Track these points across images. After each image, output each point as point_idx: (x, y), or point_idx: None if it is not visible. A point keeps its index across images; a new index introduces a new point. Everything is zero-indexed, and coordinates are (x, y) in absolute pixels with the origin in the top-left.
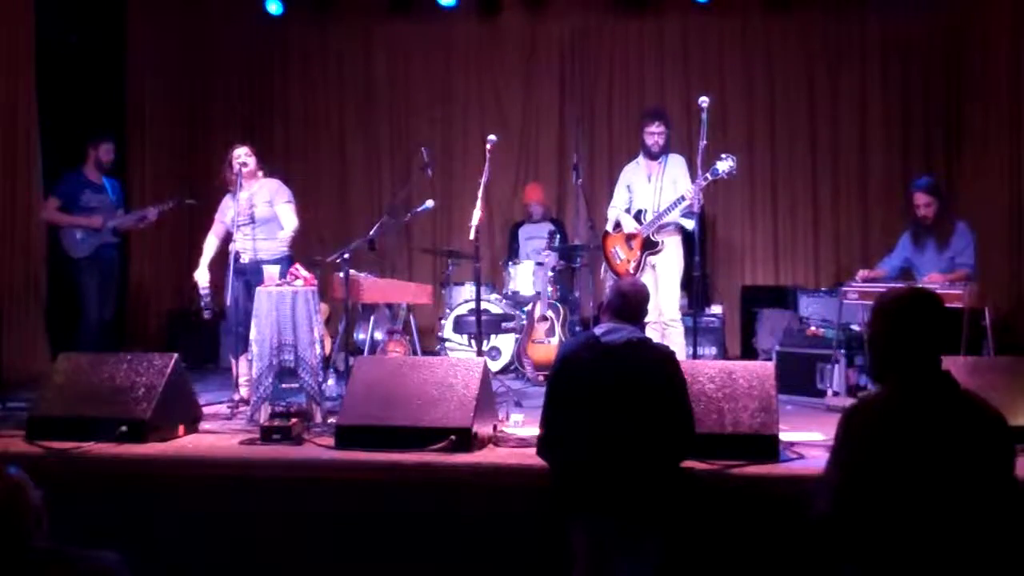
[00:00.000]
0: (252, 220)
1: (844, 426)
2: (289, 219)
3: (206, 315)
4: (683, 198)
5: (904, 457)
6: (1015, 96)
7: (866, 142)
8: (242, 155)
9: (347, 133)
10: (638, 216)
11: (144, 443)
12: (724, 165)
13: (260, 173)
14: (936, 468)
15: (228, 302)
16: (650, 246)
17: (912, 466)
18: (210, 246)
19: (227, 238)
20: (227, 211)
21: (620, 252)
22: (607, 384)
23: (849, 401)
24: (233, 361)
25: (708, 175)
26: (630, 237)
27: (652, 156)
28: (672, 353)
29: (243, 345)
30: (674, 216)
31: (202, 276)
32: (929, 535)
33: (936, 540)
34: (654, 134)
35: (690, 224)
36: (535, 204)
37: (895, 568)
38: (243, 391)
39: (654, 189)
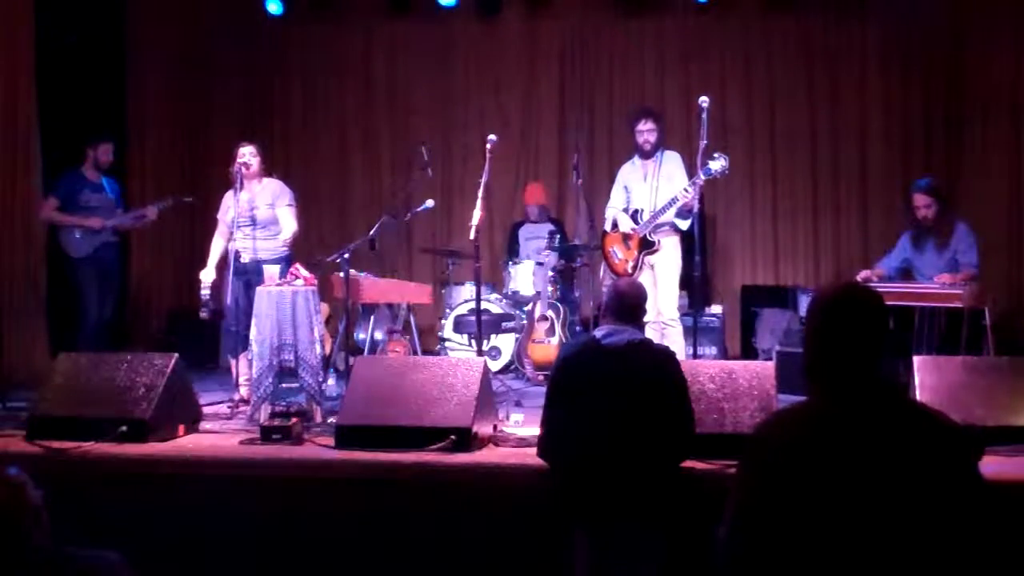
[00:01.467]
0: (253, 221)
1: (750, 444)
2: (289, 222)
3: (203, 315)
4: (676, 199)
5: (822, 480)
6: (1015, 96)
7: (866, 142)
8: (246, 155)
9: (347, 133)
10: (635, 216)
11: (144, 443)
12: (716, 164)
13: (263, 174)
14: (866, 493)
15: (228, 301)
16: (647, 246)
17: (833, 491)
18: (217, 247)
19: (230, 238)
20: (228, 210)
21: (618, 252)
22: (608, 386)
23: None
24: (232, 361)
25: (702, 174)
26: (627, 237)
27: (645, 155)
28: (673, 355)
29: (242, 344)
30: (669, 216)
31: (207, 275)
32: (860, 562)
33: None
34: (643, 132)
35: (684, 224)
36: (535, 205)
37: None
38: (243, 391)
39: (650, 188)
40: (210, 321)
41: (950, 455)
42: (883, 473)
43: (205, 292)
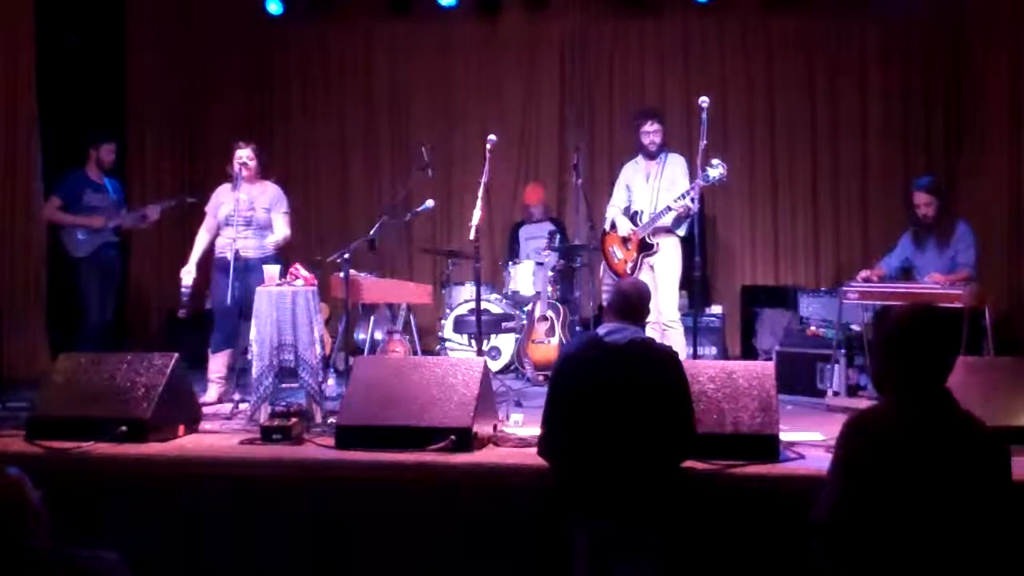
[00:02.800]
0: (248, 223)
1: (844, 437)
2: (282, 229)
3: (181, 314)
4: (669, 208)
5: (900, 473)
6: (1015, 96)
7: (866, 142)
8: (244, 156)
9: (347, 133)
10: (634, 217)
11: (144, 443)
12: (715, 172)
13: (261, 176)
14: (931, 486)
15: (224, 299)
16: (645, 248)
17: (907, 483)
18: (201, 242)
19: (217, 233)
20: (220, 206)
21: (617, 252)
22: (610, 384)
23: (849, 401)
24: (211, 356)
25: (699, 181)
26: (626, 238)
27: (650, 156)
28: (675, 354)
29: (225, 342)
30: (667, 221)
31: (188, 275)
32: (921, 552)
33: (928, 557)
34: (649, 133)
35: (681, 231)
36: (535, 205)
37: None
38: (213, 389)
39: (652, 189)
40: (210, 321)
41: (988, 461)
42: (938, 471)
43: (185, 291)
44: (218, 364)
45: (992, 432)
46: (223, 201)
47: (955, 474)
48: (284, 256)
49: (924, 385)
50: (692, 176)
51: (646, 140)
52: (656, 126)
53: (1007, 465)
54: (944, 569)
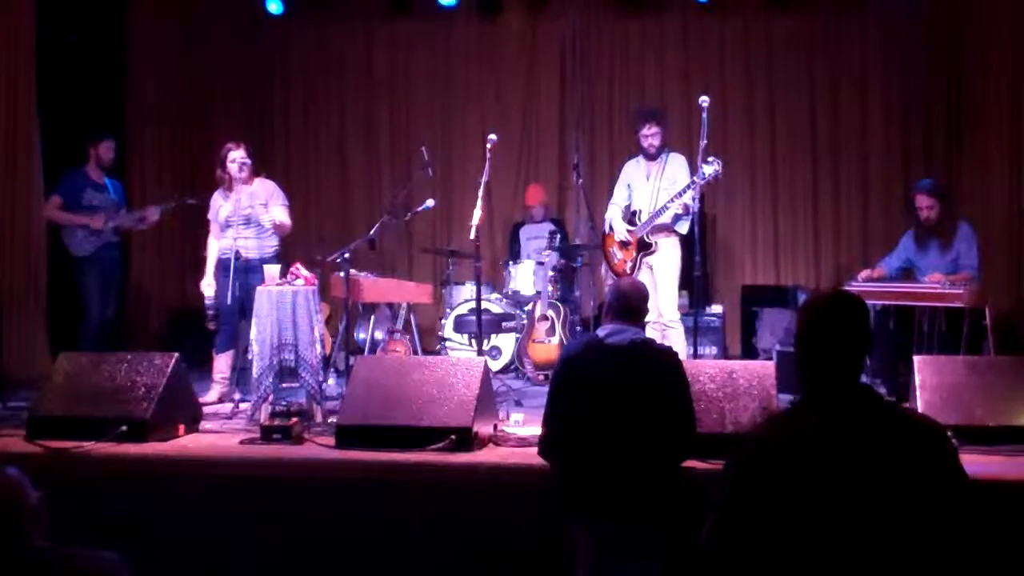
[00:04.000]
0: (247, 221)
1: (739, 447)
2: (283, 218)
3: (210, 326)
4: (669, 204)
5: (813, 488)
6: (1015, 96)
7: (866, 142)
8: (237, 158)
9: (347, 133)
10: (634, 217)
11: (144, 443)
12: (709, 169)
13: (255, 174)
14: (855, 493)
15: (224, 299)
16: (644, 247)
17: (817, 494)
18: (213, 251)
19: (223, 238)
20: (219, 211)
21: (617, 252)
22: (610, 385)
23: None
24: (215, 356)
25: (696, 179)
26: (625, 240)
27: (650, 157)
28: (675, 354)
29: (229, 343)
30: (666, 218)
31: (208, 288)
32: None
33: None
34: (648, 136)
35: (683, 228)
36: (536, 206)
37: None
38: (216, 389)
39: (652, 189)
40: (215, 330)
41: (931, 453)
42: (866, 475)
43: (209, 302)
44: (221, 364)
45: (928, 420)
46: (220, 204)
47: (888, 474)
48: (285, 256)
49: (838, 379)
50: (693, 174)
51: (645, 143)
52: (655, 128)
53: (949, 452)
54: None
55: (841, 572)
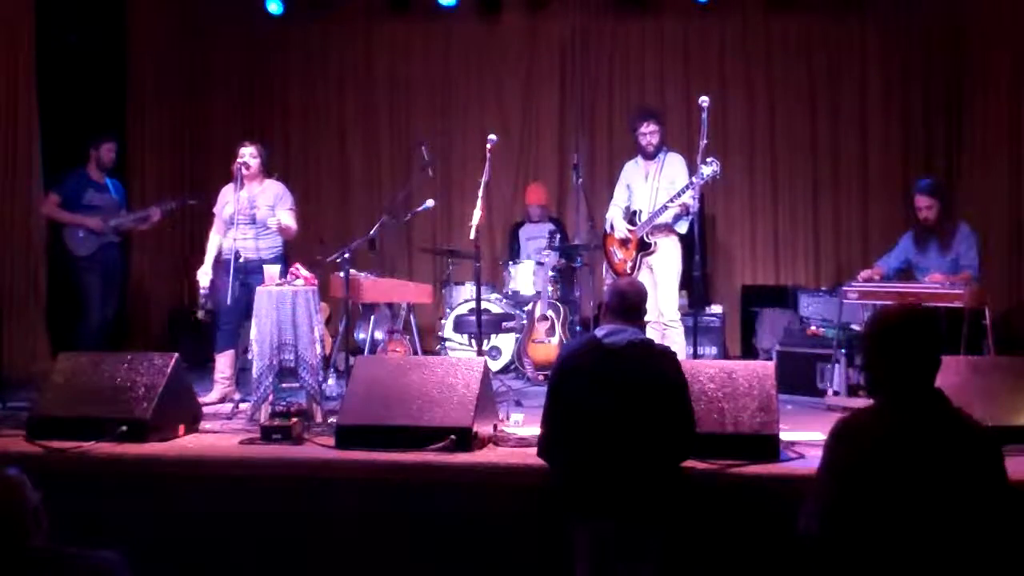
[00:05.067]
0: (252, 221)
1: (832, 443)
2: (289, 222)
3: (200, 315)
4: (670, 203)
5: (892, 479)
6: (1015, 96)
7: (866, 142)
8: (246, 155)
9: (347, 133)
10: (633, 216)
11: (144, 443)
12: (708, 169)
13: (264, 175)
14: (925, 490)
15: (227, 300)
16: (644, 247)
17: (900, 488)
18: (213, 244)
19: (226, 234)
20: (225, 206)
21: (617, 252)
22: (609, 386)
23: (849, 401)
24: (216, 357)
25: (694, 179)
26: (625, 239)
27: (648, 156)
28: (674, 354)
29: (230, 342)
30: (667, 218)
31: (204, 277)
32: (918, 559)
33: (926, 564)
34: (646, 134)
35: (683, 227)
36: (536, 206)
37: None
38: (217, 389)
39: (651, 189)
40: (206, 321)
41: (985, 458)
42: (933, 471)
43: (204, 292)
44: (222, 364)
45: (986, 430)
46: (227, 201)
47: (951, 475)
48: (288, 257)
49: (914, 385)
50: (692, 174)
51: (643, 141)
52: (653, 127)
53: (1002, 463)
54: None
55: (910, 546)
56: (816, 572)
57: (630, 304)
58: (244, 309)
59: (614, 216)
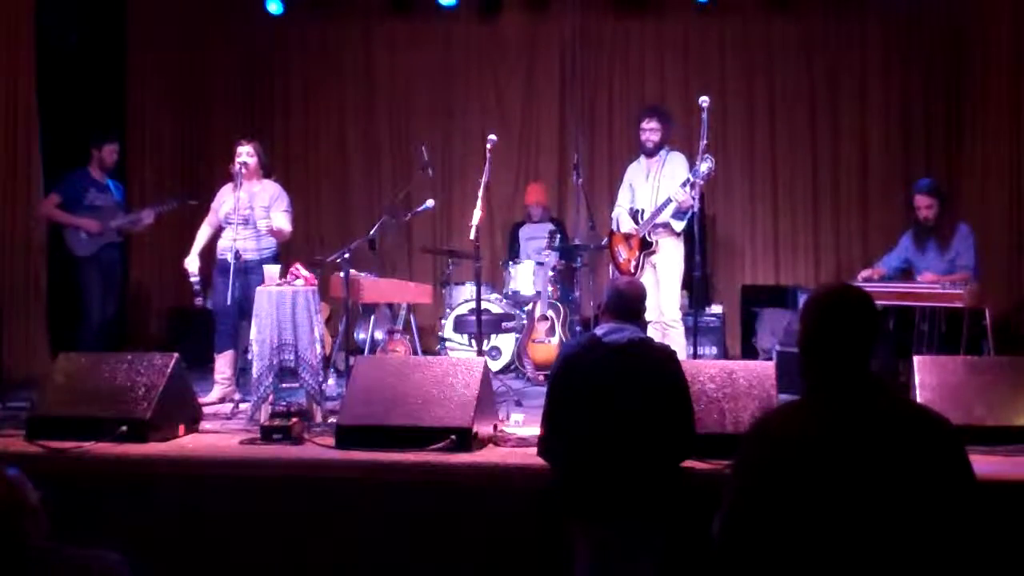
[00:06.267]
0: (247, 222)
1: (745, 441)
2: (283, 224)
3: (198, 302)
4: (670, 200)
5: (823, 479)
6: (1015, 96)
7: (866, 142)
8: (243, 154)
9: (347, 133)
10: (636, 215)
11: (144, 443)
12: (704, 166)
13: (261, 174)
14: (863, 488)
15: (223, 300)
16: (645, 246)
17: (832, 489)
18: (202, 235)
19: (219, 230)
20: (223, 204)
21: (622, 252)
22: (609, 385)
23: None
24: (216, 357)
25: (691, 176)
26: (629, 236)
27: (648, 153)
28: (674, 353)
29: (229, 343)
30: (665, 216)
31: (192, 263)
32: (863, 564)
33: (874, 568)
34: (646, 131)
35: (680, 225)
36: (536, 205)
37: None
38: (217, 390)
39: (652, 187)
40: (210, 320)
41: (938, 448)
42: (873, 467)
43: (194, 278)
44: (222, 365)
45: (943, 420)
46: (225, 200)
47: (892, 468)
48: (284, 257)
49: (848, 370)
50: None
51: (644, 137)
52: (655, 124)
53: (960, 450)
54: None
55: (846, 563)
56: None
57: (629, 303)
58: (242, 310)
59: (620, 215)
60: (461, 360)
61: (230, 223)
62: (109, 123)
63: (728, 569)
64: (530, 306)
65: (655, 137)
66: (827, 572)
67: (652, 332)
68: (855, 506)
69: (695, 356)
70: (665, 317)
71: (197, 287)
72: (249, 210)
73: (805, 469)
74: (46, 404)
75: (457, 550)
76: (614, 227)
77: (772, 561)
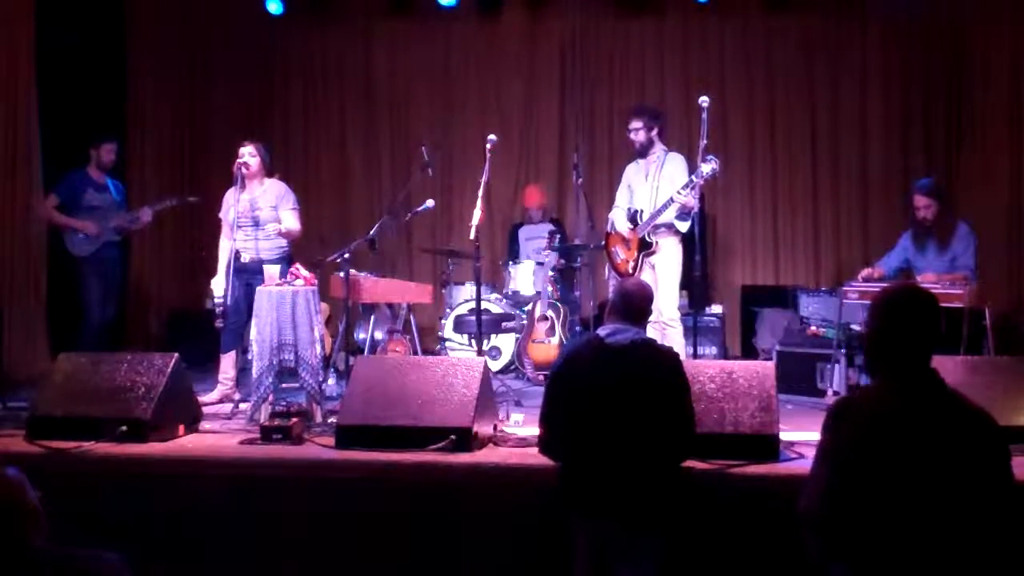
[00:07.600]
0: (255, 222)
1: (831, 422)
2: (292, 223)
3: (218, 324)
4: (672, 201)
5: (893, 455)
6: (1015, 96)
7: (866, 141)
8: (245, 155)
9: (347, 133)
10: (635, 216)
11: (144, 443)
12: (707, 168)
13: (264, 174)
14: (926, 467)
15: (227, 300)
16: (645, 247)
17: (901, 464)
18: (224, 251)
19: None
20: (229, 209)
21: (620, 252)
22: (610, 385)
23: None
24: (222, 357)
25: (693, 177)
26: (627, 237)
27: (640, 154)
28: (676, 355)
29: (235, 343)
30: (667, 217)
31: (218, 286)
32: (921, 534)
33: (928, 539)
34: (631, 131)
35: (684, 226)
36: (534, 208)
37: (886, 568)
38: (219, 389)
39: (651, 188)
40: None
41: (987, 444)
42: (936, 450)
43: (218, 300)
44: (226, 364)
45: (989, 416)
46: (231, 204)
47: (949, 453)
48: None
49: (912, 362)
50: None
51: (631, 137)
52: (637, 123)
53: (1003, 443)
54: (946, 551)
55: (909, 530)
56: (816, 551)
57: (635, 305)
58: (248, 309)
59: (615, 216)
60: (461, 360)
61: (240, 226)
62: (109, 123)
63: (826, 538)
64: (530, 306)
65: (640, 137)
66: (898, 534)
67: (651, 332)
68: (921, 480)
69: (695, 356)
70: (664, 317)
71: (219, 309)
72: (256, 211)
73: (890, 442)
74: (46, 404)
75: (457, 550)
76: (609, 228)
77: (868, 526)
